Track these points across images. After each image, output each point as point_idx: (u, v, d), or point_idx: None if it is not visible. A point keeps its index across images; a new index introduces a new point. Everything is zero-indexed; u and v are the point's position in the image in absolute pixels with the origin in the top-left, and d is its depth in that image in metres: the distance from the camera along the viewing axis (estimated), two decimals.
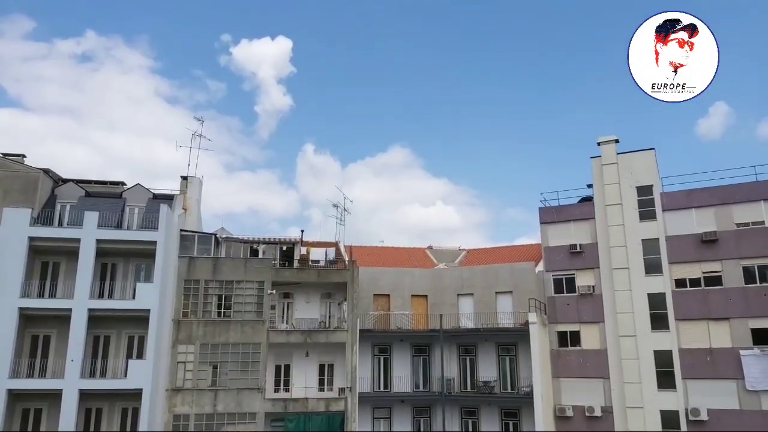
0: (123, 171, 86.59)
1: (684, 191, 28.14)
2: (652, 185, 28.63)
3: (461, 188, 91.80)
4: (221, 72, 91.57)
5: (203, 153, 41.23)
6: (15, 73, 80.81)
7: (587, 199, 30.71)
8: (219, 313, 27.57)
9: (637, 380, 26.92)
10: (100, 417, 25.55)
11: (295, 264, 29.99)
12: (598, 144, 30.25)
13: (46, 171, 27.95)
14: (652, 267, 27.82)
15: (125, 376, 24.91)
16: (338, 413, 27.37)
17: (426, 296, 31.89)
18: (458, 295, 31.51)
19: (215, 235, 29.58)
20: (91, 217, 25.87)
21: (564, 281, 29.69)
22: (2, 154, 27.71)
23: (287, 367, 28.57)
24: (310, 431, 26.81)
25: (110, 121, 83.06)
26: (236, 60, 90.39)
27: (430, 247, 38.03)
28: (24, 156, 28.59)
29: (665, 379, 26.55)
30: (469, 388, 30.20)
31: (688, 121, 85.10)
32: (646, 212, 28.47)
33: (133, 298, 25.75)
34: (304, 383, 28.20)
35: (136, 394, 24.66)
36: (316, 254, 31.08)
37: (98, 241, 25.76)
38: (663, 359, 26.76)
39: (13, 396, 24.31)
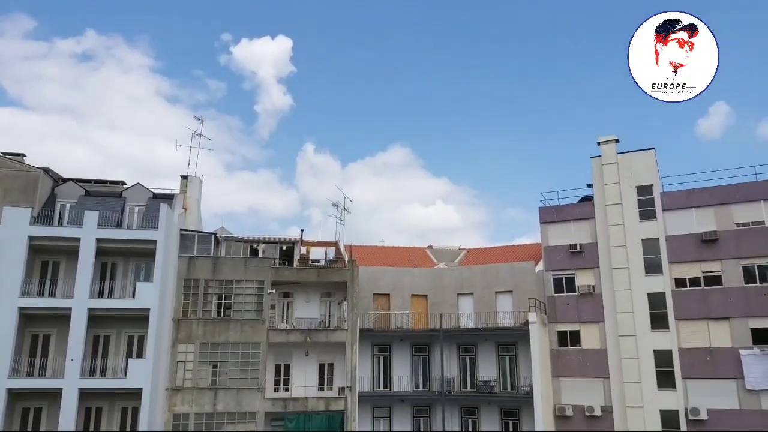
0: (123, 170, 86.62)
1: (684, 191, 28.14)
2: (652, 185, 28.63)
3: (461, 188, 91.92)
4: (221, 71, 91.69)
5: (203, 152, 41.31)
6: (15, 73, 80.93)
7: (587, 199, 30.71)
8: (219, 313, 27.58)
9: (637, 380, 26.93)
10: (100, 416, 25.56)
11: (295, 263, 29.99)
12: (598, 144, 30.26)
13: (46, 170, 27.93)
14: (652, 267, 27.82)
15: (125, 375, 24.91)
16: (338, 413, 27.38)
17: (426, 296, 31.90)
18: (458, 294, 31.52)
19: (215, 234, 29.58)
20: (91, 217, 25.87)
21: (564, 281, 29.69)
22: (2, 153, 27.68)
23: (287, 367, 28.57)
24: (310, 431, 26.83)
25: (110, 121, 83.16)
26: (236, 59, 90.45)
27: (430, 247, 38.03)
28: (24, 155, 28.54)
29: (665, 379, 26.56)
30: (468, 388, 30.20)
31: (688, 121, 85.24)
32: (646, 212, 28.47)
33: (133, 297, 25.73)
34: (303, 383, 28.20)
35: (135, 394, 24.65)
36: (316, 254, 31.08)
37: (98, 240, 25.76)
38: (663, 359, 26.77)
39: (13, 395, 24.30)
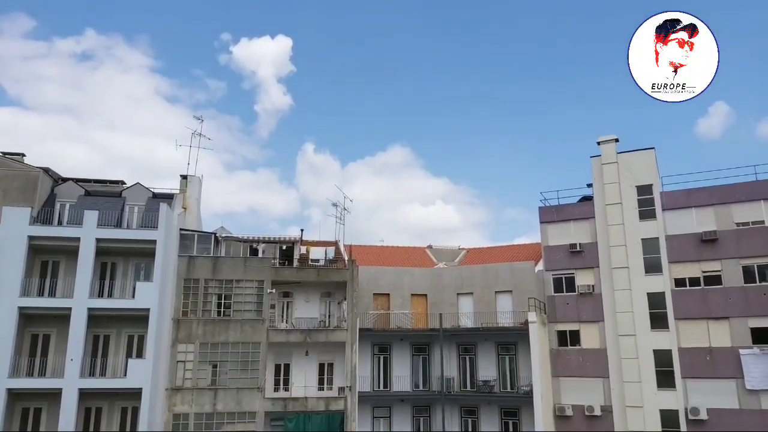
0: (123, 170, 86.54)
1: (684, 191, 28.15)
2: (651, 185, 28.63)
3: (461, 188, 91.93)
4: (221, 71, 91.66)
5: (203, 152, 41.19)
6: (15, 72, 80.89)
7: (587, 199, 30.71)
8: (219, 313, 27.57)
9: (636, 379, 26.93)
10: (100, 416, 25.56)
11: (295, 263, 30.01)
12: (598, 143, 30.25)
13: (46, 170, 27.93)
14: (652, 266, 27.82)
15: (125, 375, 24.91)
16: (338, 412, 27.39)
17: (426, 295, 31.90)
18: (458, 294, 31.53)
19: (215, 234, 29.58)
20: (91, 216, 25.86)
21: (564, 280, 29.70)
22: (2, 153, 27.69)
23: (287, 367, 28.57)
24: (310, 431, 26.83)
25: (110, 120, 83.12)
26: (236, 59, 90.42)
27: (429, 247, 38.03)
28: (24, 155, 28.55)
29: (665, 379, 26.56)
30: (468, 388, 30.21)
31: (688, 120, 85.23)
32: (646, 212, 28.47)
33: (133, 297, 25.73)
34: (303, 382, 28.20)
35: (135, 394, 24.66)
36: (316, 253, 31.09)
37: (98, 240, 25.75)
38: (662, 358, 26.77)
39: (13, 395, 24.30)
